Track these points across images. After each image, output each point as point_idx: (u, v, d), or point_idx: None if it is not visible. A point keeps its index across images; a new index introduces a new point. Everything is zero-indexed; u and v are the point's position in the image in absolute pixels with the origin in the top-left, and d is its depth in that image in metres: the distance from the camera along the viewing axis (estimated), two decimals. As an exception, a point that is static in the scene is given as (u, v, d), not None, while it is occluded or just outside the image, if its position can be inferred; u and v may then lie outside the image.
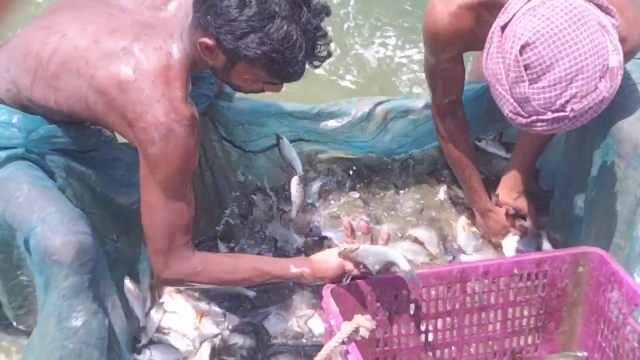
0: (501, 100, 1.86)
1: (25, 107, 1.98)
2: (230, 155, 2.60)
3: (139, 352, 2.16)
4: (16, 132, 1.94)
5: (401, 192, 2.74)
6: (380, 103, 2.57)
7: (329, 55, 1.92)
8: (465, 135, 2.48)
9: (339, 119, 2.53)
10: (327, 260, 1.92)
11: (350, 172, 2.73)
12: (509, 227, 2.48)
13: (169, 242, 1.92)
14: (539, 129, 1.86)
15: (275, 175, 2.68)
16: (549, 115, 1.82)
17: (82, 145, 2.07)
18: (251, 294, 2.40)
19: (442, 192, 2.73)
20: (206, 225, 2.55)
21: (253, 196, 2.65)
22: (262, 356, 2.25)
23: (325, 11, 1.86)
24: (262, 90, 1.99)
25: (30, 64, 1.93)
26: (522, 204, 2.48)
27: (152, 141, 1.84)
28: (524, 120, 1.85)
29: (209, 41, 1.84)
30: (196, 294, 2.38)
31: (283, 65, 1.83)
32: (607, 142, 2.25)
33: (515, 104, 1.84)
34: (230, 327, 2.31)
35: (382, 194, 2.73)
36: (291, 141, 2.48)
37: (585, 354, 2.03)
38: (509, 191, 2.47)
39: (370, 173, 2.75)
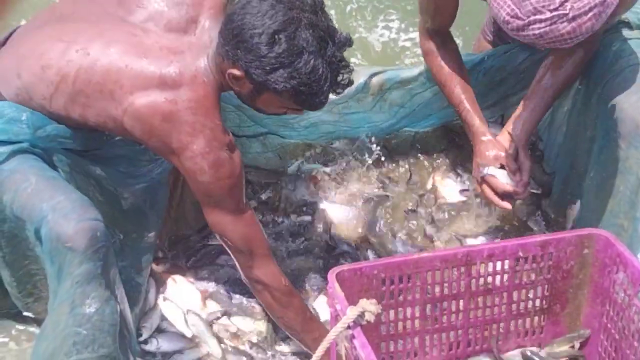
0: (498, 4, 1.83)
1: (36, 110, 1.98)
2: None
3: (145, 343, 2.17)
4: (24, 129, 1.94)
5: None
6: (375, 74, 2.57)
7: (351, 83, 2.00)
8: (455, 53, 2.41)
9: None
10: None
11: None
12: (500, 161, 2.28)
13: (250, 251, 2.07)
14: (537, 31, 1.81)
15: (269, 160, 2.70)
16: (547, 15, 1.78)
17: (86, 145, 2.08)
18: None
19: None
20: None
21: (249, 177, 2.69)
22: (270, 337, 2.26)
23: (349, 43, 1.94)
24: (285, 113, 2.08)
25: (51, 78, 1.93)
26: (524, 160, 2.28)
27: (202, 170, 1.93)
28: (520, 23, 1.81)
29: (237, 72, 1.90)
30: (198, 277, 2.41)
31: (310, 97, 1.91)
32: (608, 123, 2.25)
33: (512, 5, 1.80)
34: (235, 309, 2.33)
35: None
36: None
37: (588, 331, 2.04)
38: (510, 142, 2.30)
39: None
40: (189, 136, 1.91)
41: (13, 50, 2.01)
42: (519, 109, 2.34)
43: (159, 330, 2.24)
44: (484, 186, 2.27)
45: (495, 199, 2.25)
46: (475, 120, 2.33)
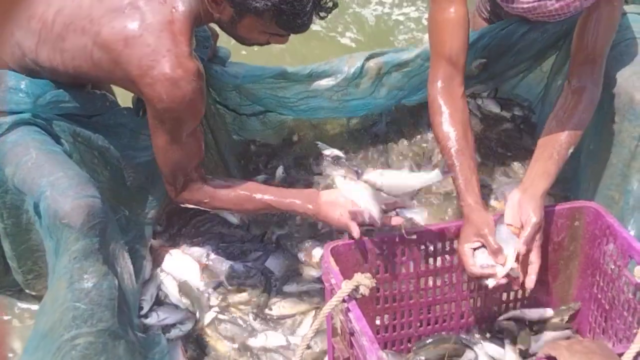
0: None
1: (31, 70, 2.00)
2: (225, 118, 2.63)
3: (145, 317, 2.21)
4: (24, 98, 1.96)
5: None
6: (371, 57, 2.57)
7: (335, 5, 1.95)
8: (463, 114, 2.02)
9: (333, 77, 2.53)
10: (335, 205, 1.96)
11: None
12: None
13: (180, 177, 2.05)
14: (525, 5, 1.81)
15: (268, 137, 2.72)
16: None
17: (88, 109, 2.10)
18: (233, 220, 2.51)
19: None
20: None
21: (252, 147, 2.73)
22: (265, 305, 2.31)
23: None
24: (268, 43, 2.02)
25: (34, 27, 1.95)
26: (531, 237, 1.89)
27: (160, 98, 1.87)
28: None
29: None
30: (195, 249, 2.44)
31: (292, 17, 1.87)
32: (602, 96, 2.27)
33: None
34: (232, 280, 2.37)
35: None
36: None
37: (579, 303, 2.08)
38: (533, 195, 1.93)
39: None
40: (150, 61, 1.85)
41: (4, 10, 2.04)
42: (534, 163, 2.00)
43: (159, 303, 2.27)
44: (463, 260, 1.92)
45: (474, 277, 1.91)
46: (469, 198, 1.91)
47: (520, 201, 1.90)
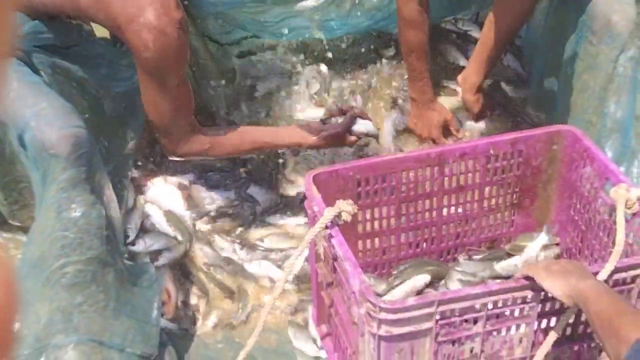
0: None
1: None
2: (208, 49, 2.60)
3: (132, 244, 2.23)
4: None
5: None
6: None
7: None
8: (428, 21, 2.41)
9: None
10: (310, 125, 2.22)
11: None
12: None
13: (174, 129, 2.04)
14: None
15: (250, 68, 2.71)
16: None
17: (64, 40, 2.08)
18: None
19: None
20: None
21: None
22: (256, 222, 2.35)
23: None
24: None
25: None
26: (477, 103, 2.57)
27: (146, 46, 1.86)
28: None
29: None
30: (178, 178, 2.46)
31: None
32: (581, 19, 2.27)
33: None
34: (216, 206, 2.39)
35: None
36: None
37: (557, 225, 2.12)
38: (470, 86, 2.53)
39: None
40: (136, 8, 1.84)
41: None
42: (478, 47, 2.49)
43: (145, 231, 2.30)
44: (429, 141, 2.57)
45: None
46: (430, 89, 2.52)
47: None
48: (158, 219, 2.34)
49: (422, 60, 2.44)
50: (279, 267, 2.26)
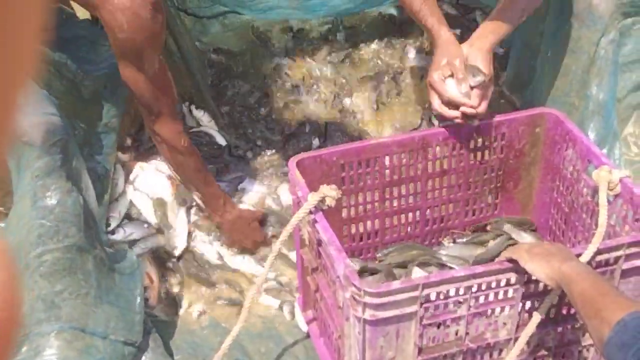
0: None
1: None
2: (185, 23, 2.60)
3: (112, 233, 2.23)
4: None
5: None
6: None
7: None
8: None
9: None
10: (242, 224, 2.24)
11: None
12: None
13: (155, 105, 2.01)
14: None
15: (229, 40, 2.70)
16: None
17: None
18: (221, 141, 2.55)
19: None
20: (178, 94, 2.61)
21: (212, 55, 2.71)
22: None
23: None
24: None
25: None
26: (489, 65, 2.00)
27: (121, 27, 1.84)
28: None
29: None
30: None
31: None
32: (562, 2, 2.27)
33: None
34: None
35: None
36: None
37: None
38: (483, 44, 1.99)
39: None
40: None
41: None
42: (487, 20, 2.07)
43: (129, 219, 2.29)
44: (431, 92, 1.98)
45: (441, 107, 1.96)
46: (435, 23, 2.01)
47: (469, 54, 1.97)
48: (144, 207, 2.32)
49: (421, 4, 2.02)
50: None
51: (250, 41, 2.77)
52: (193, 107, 2.59)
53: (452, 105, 1.94)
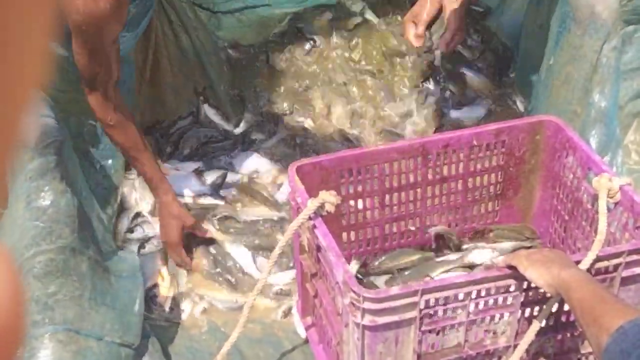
0: None
1: None
2: (200, 17, 2.60)
3: (131, 232, 2.26)
4: None
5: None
6: None
7: None
8: None
9: None
10: (166, 218, 2.16)
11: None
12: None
13: (93, 82, 1.97)
14: None
15: (246, 35, 2.71)
16: None
17: None
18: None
19: None
20: (189, 94, 2.62)
21: (229, 50, 2.71)
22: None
23: None
24: None
25: None
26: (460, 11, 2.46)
27: (76, 10, 1.82)
28: None
29: None
30: (175, 163, 2.48)
31: None
32: (564, 9, 2.28)
33: None
34: (211, 198, 2.41)
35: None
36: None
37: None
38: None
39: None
40: None
41: None
42: None
43: (143, 220, 2.31)
44: (404, 28, 2.47)
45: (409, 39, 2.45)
46: None
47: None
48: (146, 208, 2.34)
49: None
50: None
51: (267, 36, 2.78)
52: (206, 106, 2.60)
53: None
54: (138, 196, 2.34)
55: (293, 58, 2.76)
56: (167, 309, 2.12)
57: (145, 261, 2.18)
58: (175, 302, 2.15)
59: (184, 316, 2.13)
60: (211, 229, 2.30)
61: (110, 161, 2.27)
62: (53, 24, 0.39)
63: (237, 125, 2.61)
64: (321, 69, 2.76)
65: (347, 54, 2.80)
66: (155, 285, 2.16)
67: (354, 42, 2.81)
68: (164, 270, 2.19)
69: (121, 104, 2.05)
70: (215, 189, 2.42)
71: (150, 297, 2.13)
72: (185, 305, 2.15)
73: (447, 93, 2.70)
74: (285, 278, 2.22)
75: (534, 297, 1.65)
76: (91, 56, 1.93)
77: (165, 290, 2.15)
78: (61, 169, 1.82)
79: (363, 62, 2.79)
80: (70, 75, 2.02)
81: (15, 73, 0.38)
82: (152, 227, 2.28)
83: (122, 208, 2.31)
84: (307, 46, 2.78)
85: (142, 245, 2.24)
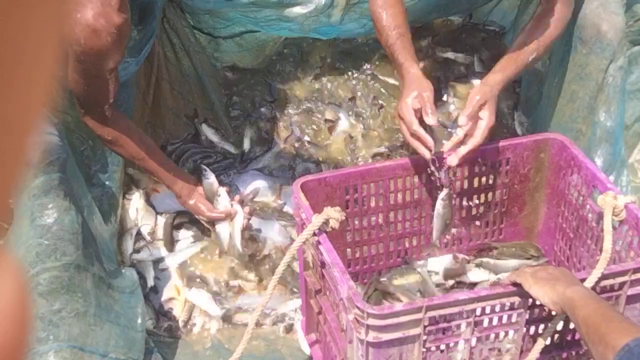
0: None
1: None
2: (200, 41, 2.62)
3: (137, 252, 2.27)
4: None
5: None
6: None
7: None
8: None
9: (304, 6, 2.47)
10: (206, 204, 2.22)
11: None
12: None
13: (87, 106, 2.00)
14: None
15: (244, 59, 2.72)
16: None
17: None
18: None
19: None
20: (188, 115, 2.63)
21: (226, 73, 2.73)
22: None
23: None
24: None
25: None
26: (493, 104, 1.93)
27: (77, 42, 1.82)
28: None
29: None
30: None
31: None
32: (569, 29, 2.28)
33: None
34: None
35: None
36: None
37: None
38: (493, 82, 1.95)
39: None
40: (75, 4, 1.74)
41: None
42: (498, 65, 2.02)
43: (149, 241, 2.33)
44: (401, 123, 1.92)
45: (410, 139, 1.90)
46: (408, 58, 1.96)
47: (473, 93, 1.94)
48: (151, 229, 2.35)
49: (394, 38, 2.00)
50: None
51: (265, 59, 2.80)
52: (205, 126, 2.61)
53: (416, 137, 1.87)
54: (140, 217, 2.36)
55: (293, 77, 2.78)
56: (180, 323, 2.12)
57: (162, 276, 2.22)
58: (189, 316, 2.16)
59: (186, 333, 2.13)
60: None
61: (108, 182, 2.27)
62: (60, 52, 0.39)
63: (236, 145, 2.61)
64: (321, 86, 2.78)
65: (348, 73, 2.82)
66: (171, 299, 2.17)
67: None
68: (179, 285, 2.20)
69: (118, 119, 2.07)
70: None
71: (165, 311, 2.15)
72: (198, 320, 2.16)
73: (453, 108, 2.69)
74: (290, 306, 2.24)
75: (539, 315, 1.64)
76: (88, 84, 1.94)
77: (180, 304, 2.15)
78: (65, 186, 1.82)
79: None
80: (71, 94, 2.03)
81: (23, 98, 0.38)
82: (156, 247, 2.30)
83: (123, 227, 2.31)
84: (307, 66, 2.79)
85: (155, 265, 2.26)
